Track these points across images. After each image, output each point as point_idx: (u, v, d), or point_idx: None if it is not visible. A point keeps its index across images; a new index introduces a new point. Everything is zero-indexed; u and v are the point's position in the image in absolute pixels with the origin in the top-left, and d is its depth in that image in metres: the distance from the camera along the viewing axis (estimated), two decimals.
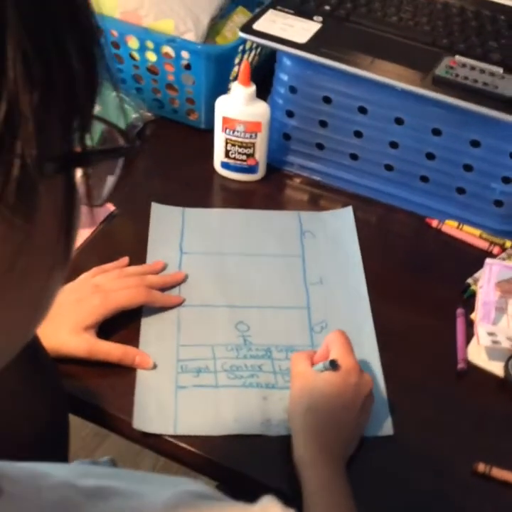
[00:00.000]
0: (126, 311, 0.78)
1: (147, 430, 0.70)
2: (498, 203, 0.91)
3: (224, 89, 1.02)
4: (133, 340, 0.78)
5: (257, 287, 0.85)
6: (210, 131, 1.01)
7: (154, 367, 0.75)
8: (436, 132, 0.89)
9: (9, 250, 0.25)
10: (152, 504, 0.34)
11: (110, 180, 0.33)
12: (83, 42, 0.26)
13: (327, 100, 0.94)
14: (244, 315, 0.81)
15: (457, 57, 0.88)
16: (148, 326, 0.79)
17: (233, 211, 0.95)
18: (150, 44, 0.99)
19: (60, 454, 0.61)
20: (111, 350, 0.75)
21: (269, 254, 0.89)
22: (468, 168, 0.90)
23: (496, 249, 0.90)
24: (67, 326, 0.74)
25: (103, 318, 0.76)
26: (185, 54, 0.98)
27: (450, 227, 0.93)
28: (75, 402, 0.72)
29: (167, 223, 0.92)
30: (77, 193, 0.28)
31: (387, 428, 0.72)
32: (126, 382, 0.74)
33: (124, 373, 0.75)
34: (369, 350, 0.78)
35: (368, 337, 0.80)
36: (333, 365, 0.68)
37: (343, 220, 0.94)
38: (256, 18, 0.94)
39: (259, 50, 1.08)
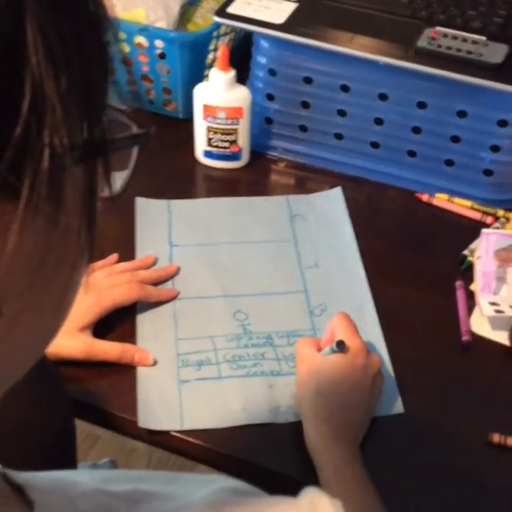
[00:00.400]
0: (120, 309, 0.76)
1: (153, 428, 0.69)
2: (488, 173, 0.90)
3: (200, 77, 1.00)
4: (130, 337, 0.76)
5: (252, 275, 0.83)
6: (188, 121, 0.99)
7: (154, 363, 0.73)
8: (422, 105, 0.88)
9: (40, 244, 0.24)
10: (191, 504, 0.33)
11: (126, 171, 0.32)
12: (96, 28, 0.26)
13: (308, 80, 0.92)
14: (241, 304, 0.80)
15: (438, 28, 0.87)
16: (145, 322, 0.77)
17: (220, 200, 0.93)
18: (122, 35, 0.97)
19: (69, 458, 0.59)
20: (109, 349, 0.73)
21: (260, 241, 0.87)
22: (455, 139, 0.89)
23: (488, 219, 0.90)
24: (62, 328, 0.72)
25: (98, 318, 0.74)
26: (158, 43, 0.96)
27: (441, 200, 0.92)
28: (76, 405, 0.70)
29: (154, 217, 0.89)
30: (97, 182, 0.27)
31: (397, 407, 0.71)
32: (126, 380, 0.72)
33: (124, 372, 0.73)
34: (372, 329, 0.77)
35: (370, 317, 0.79)
36: (340, 346, 0.67)
37: (332, 201, 0.92)
38: (230, 1, 0.92)
39: (233, 34, 1.06)
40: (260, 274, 0.83)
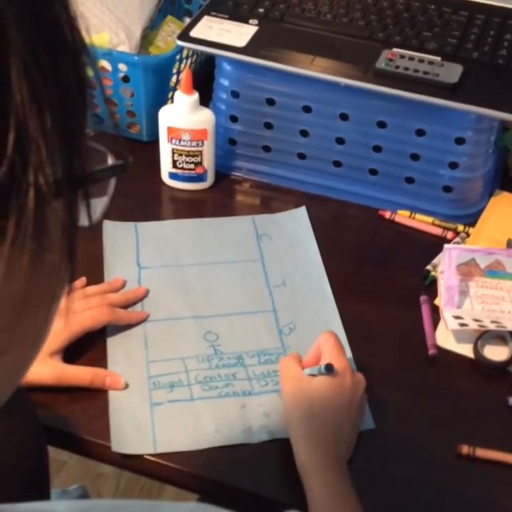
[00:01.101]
0: (91, 333, 0.76)
1: (126, 452, 0.69)
2: (447, 189, 0.92)
3: (164, 100, 1.01)
4: (100, 361, 0.76)
5: (221, 295, 0.84)
6: (153, 143, 1.00)
7: (126, 386, 0.73)
8: (381, 125, 0.90)
9: (26, 283, 0.24)
10: None
11: (104, 199, 0.32)
12: (75, 61, 0.26)
13: (270, 102, 0.93)
14: (211, 324, 0.80)
15: (395, 50, 0.89)
16: (115, 345, 0.77)
17: (186, 221, 0.93)
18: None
19: (42, 486, 0.58)
20: (80, 374, 0.73)
21: (228, 261, 0.88)
22: (415, 157, 0.91)
23: (449, 235, 0.92)
24: None
25: (68, 342, 0.74)
26: (122, 67, 0.97)
27: (403, 217, 0.94)
28: (48, 431, 0.70)
29: (121, 240, 0.90)
30: (79, 214, 0.27)
31: (368, 422, 0.72)
32: (98, 405, 0.72)
33: (95, 396, 0.73)
34: None
35: (337, 334, 0.79)
36: (329, 369, 0.67)
37: (297, 220, 0.94)
38: (192, 25, 0.94)
39: (195, 57, 1.08)
40: (229, 295, 0.84)
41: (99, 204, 0.32)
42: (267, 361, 0.77)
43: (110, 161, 0.31)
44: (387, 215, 0.95)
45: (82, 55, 0.26)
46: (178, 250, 0.89)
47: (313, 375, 0.69)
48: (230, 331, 0.80)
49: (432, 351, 0.78)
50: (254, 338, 0.79)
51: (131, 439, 0.69)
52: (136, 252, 0.88)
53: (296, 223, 0.93)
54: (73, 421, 0.71)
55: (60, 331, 0.73)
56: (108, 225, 0.91)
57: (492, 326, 0.77)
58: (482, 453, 0.69)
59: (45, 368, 0.71)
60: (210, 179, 0.98)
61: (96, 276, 0.85)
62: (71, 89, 0.25)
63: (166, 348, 0.78)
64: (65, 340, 0.73)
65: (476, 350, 0.77)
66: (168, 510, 0.36)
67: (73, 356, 0.75)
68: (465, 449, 0.69)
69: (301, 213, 0.94)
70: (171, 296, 0.83)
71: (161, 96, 1.01)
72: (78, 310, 0.76)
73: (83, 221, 0.31)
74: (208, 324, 0.80)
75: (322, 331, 0.76)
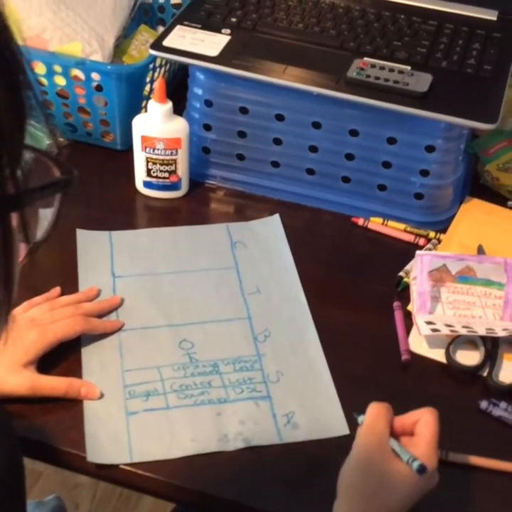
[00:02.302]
0: (65, 343, 0.76)
1: (102, 462, 0.68)
2: (419, 196, 0.93)
3: (137, 109, 1.02)
4: (75, 371, 0.76)
5: (196, 303, 0.84)
6: (127, 152, 1.00)
7: (101, 396, 0.73)
8: (354, 133, 0.91)
9: None
10: None
11: (49, 214, 0.31)
12: (6, 71, 0.24)
13: (244, 111, 0.94)
14: (186, 332, 0.80)
15: (366, 59, 0.90)
16: (90, 354, 0.77)
17: (161, 230, 0.94)
18: (58, 68, 0.97)
19: (18, 498, 0.58)
20: (55, 384, 0.73)
21: (202, 269, 0.88)
22: (387, 165, 0.92)
23: (421, 241, 0.93)
24: (4, 365, 0.71)
25: (42, 353, 0.74)
26: (95, 76, 0.97)
27: (376, 224, 0.95)
28: (22, 442, 0.69)
29: (95, 249, 0.90)
30: (14, 234, 0.26)
31: (342, 428, 0.73)
32: (73, 415, 0.72)
33: (70, 406, 0.73)
34: (314, 353, 0.79)
35: (312, 340, 0.80)
36: (421, 471, 0.61)
37: (272, 228, 0.94)
38: (165, 34, 0.94)
39: (168, 66, 1.08)
40: (204, 302, 0.84)
41: (45, 220, 0.31)
42: (242, 368, 0.77)
43: (57, 174, 0.30)
44: (360, 222, 0.96)
45: (11, 66, 0.24)
46: (152, 259, 0.89)
47: (395, 453, 0.62)
48: (205, 339, 0.80)
49: (405, 357, 0.79)
50: (229, 345, 0.80)
51: (107, 449, 0.69)
52: (111, 260, 0.88)
53: (270, 230, 0.94)
54: (49, 431, 0.71)
55: (34, 342, 0.73)
56: (82, 234, 0.91)
57: (463, 331, 0.78)
58: (455, 457, 0.70)
59: (19, 379, 0.71)
60: (184, 187, 0.99)
61: (70, 285, 0.85)
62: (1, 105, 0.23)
63: (141, 356, 0.78)
64: (39, 351, 0.73)
65: (448, 355, 0.78)
66: None
67: (48, 366, 0.75)
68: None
69: (274, 221, 0.95)
70: (146, 305, 0.83)
71: (135, 105, 1.01)
72: (52, 320, 0.76)
73: (34, 237, 0.30)
74: (183, 332, 0.80)
75: (296, 338, 0.77)
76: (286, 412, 0.73)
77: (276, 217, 0.96)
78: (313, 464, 0.69)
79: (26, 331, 0.74)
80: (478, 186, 1.01)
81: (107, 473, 0.69)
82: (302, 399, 0.75)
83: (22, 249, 0.92)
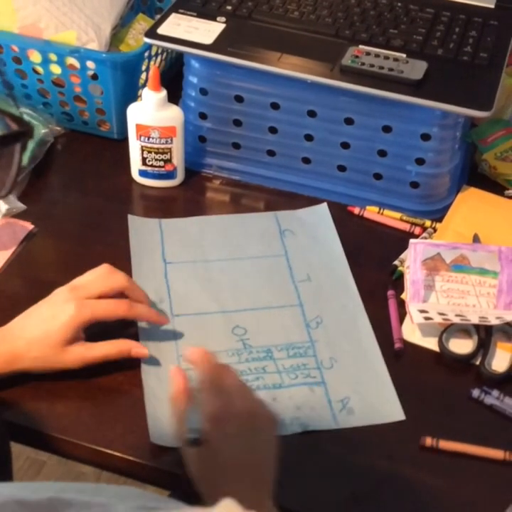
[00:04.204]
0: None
1: (165, 444, 0.68)
2: (415, 185, 0.93)
3: (134, 97, 1.01)
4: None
5: (247, 290, 0.84)
6: (123, 141, 1.00)
7: (159, 376, 0.74)
8: (349, 121, 0.91)
9: None
10: None
11: (12, 171, 0.32)
12: None
13: (239, 99, 0.94)
14: (239, 319, 0.81)
15: (361, 47, 0.90)
16: (146, 339, 0.77)
17: (209, 218, 0.94)
18: (53, 56, 0.97)
19: (4, 479, 0.58)
20: (105, 352, 0.73)
21: (252, 257, 0.89)
22: (382, 153, 0.92)
23: (417, 230, 0.93)
24: (49, 346, 0.71)
25: (80, 329, 0.72)
26: (90, 64, 0.97)
27: (372, 212, 0.95)
28: (13, 427, 0.70)
29: (146, 235, 0.90)
30: None
31: (398, 413, 0.73)
32: (66, 402, 0.72)
33: (64, 393, 0.73)
34: (367, 340, 0.79)
35: (364, 327, 0.80)
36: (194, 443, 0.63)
37: (320, 216, 0.94)
38: (159, 22, 0.94)
39: (165, 54, 1.08)
40: (255, 289, 0.84)
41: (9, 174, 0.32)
42: (295, 354, 0.77)
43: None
44: (356, 211, 0.95)
45: None
46: (202, 246, 0.90)
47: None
48: (258, 325, 0.80)
49: (397, 345, 0.79)
50: (281, 331, 0.80)
51: (169, 432, 0.68)
52: (162, 247, 0.89)
53: (318, 219, 0.94)
54: (40, 418, 0.71)
55: (70, 318, 0.71)
56: (132, 220, 0.92)
57: (456, 320, 0.78)
58: (445, 445, 0.70)
59: (68, 357, 0.71)
60: (180, 176, 0.98)
61: (66, 273, 0.84)
62: None
63: (195, 342, 0.78)
64: (76, 328, 0.71)
65: (441, 343, 0.78)
66: (113, 493, 0.37)
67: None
68: (428, 441, 0.70)
69: (322, 209, 0.95)
70: (198, 291, 0.84)
71: (131, 93, 1.01)
72: (95, 291, 0.74)
73: None
74: (236, 318, 0.81)
75: (349, 325, 0.79)
76: (341, 397, 0.74)
77: (324, 205, 0.95)
78: (296, 453, 0.69)
79: (63, 303, 0.72)
80: (475, 175, 1.01)
81: (102, 460, 0.70)
82: (356, 385, 0.75)
83: (17, 237, 0.92)
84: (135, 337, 0.77)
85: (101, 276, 0.75)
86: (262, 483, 0.61)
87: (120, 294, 0.76)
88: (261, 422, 0.64)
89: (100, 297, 0.74)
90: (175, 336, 0.79)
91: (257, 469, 0.62)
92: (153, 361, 0.76)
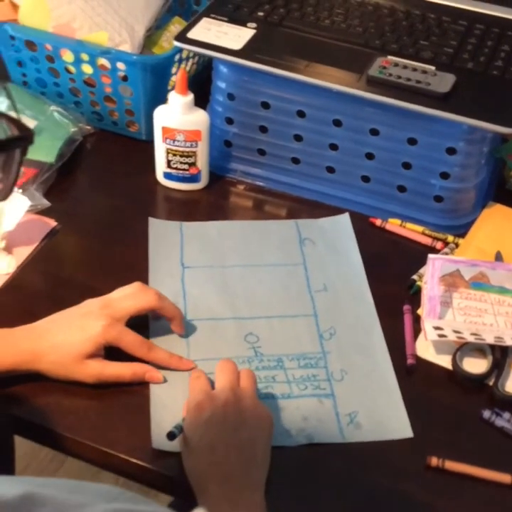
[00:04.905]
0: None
1: (166, 449, 0.68)
2: (438, 199, 0.92)
3: (162, 99, 1.02)
4: None
5: (263, 297, 0.84)
6: (151, 142, 1.01)
7: (167, 383, 0.74)
8: (374, 132, 0.90)
9: None
10: None
11: (11, 176, 0.32)
12: None
13: (265, 106, 0.94)
14: (252, 326, 0.81)
15: (389, 57, 0.89)
16: (158, 343, 0.77)
17: (231, 223, 0.94)
18: (85, 56, 0.98)
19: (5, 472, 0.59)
20: (120, 372, 0.73)
21: (270, 264, 0.88)
22: (407, 166, 0.91)
23: (439, 245, 0.91)
24: (71, 355, 0.72)
25: (103, 347, 0.73)
26: (121, 65, 0.98)
27: (393, 225, 0.94)
28: (20, 423, 0.71)
29: (166, 238, 0.91)
30: None
31: (406, 430, 0.72)
32: (73, 400, 0.73)
33: (73, 390, 0.73)
34: (380, 354, 0.78)
35: (378, 341, 0.80)
36: (169, 437, 0.67)
37: (341, 226, 0.93)
38: (190, 26, 0.94)
39: (196, 58, 1.08)
40: (270, 297, 0.84)
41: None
42: (306, 365, 0.77)
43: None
44: (378, 222, 0.95)
45: None
46: (221, 251, 0.90)
47: None
48: (271, 334, 0.80)
49: (410, 361, 0.78)
50: (294, 341, 0.79)
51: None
52: (181, 251, 0.89)
53: (339, 229, 0.93)
54: (48, 414, 0.72)
55: (96, 335, 0.71)
56: (153, 223, 0.92)
57: (471, 338, 0.77)
58: (451, 465, 0.69)
59: (85, 370, 0.72)
60: (204, 180, 0.99)
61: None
62: None
63: (207, 347, 0.78)
64: (100, 345, 0.72)
65: (454, 361, 0.77)
66: (91, 492, 0.37)
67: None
68: (434, 461, 0.69)
69: (344, 219, 0.94)
70: (213, 297, 0.83)
71: (160, 96, 1.01)
72: (126, 311, 0.74)
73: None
74: (249, 326, 0.81)
75: (362, 337, 0.78)
76: (350, 411, 0.73)
77: (346, 215, 0.95)
78: (307, 464, 0.68)
79: (93, 319, 0.73)
80: (503, 191, 0.99)
81: (105, 460, 0.70)
82: (366, 399, 0.74)
83: (39, 233, 0.93)
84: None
85: (132, 295, 0.76)
86: (244, 478, 0.62)
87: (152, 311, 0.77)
88: (250, 420, 0.66)
89: (131, 316, 0.74)
90: (187, 340, 0.79)
91: (235, 463, 0.63)
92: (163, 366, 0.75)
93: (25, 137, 0.32)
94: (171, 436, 0.66)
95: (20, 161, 0.34)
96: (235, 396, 0.67)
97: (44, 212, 0.93)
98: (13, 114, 0.90)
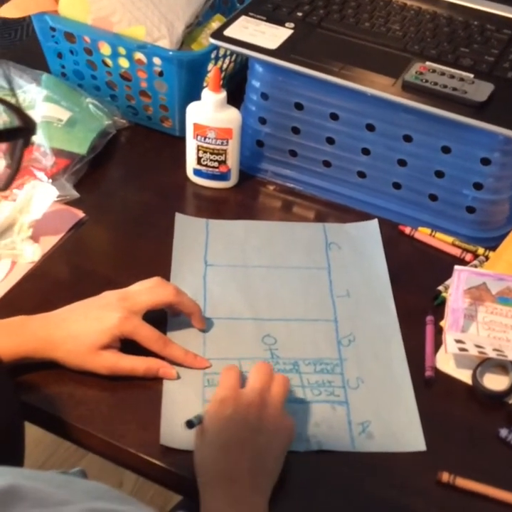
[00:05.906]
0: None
1: (175, 446, 0.68)
2: (470, 210, 0.90)
3: (197, 96, 1.01)
4: None
5: (284, 300, 0.83)
6: (184, 139, 1.01)
7: (180, 380, 0.74)
8: (407, 138, 0.88)
9: None
10: None
11: (12, 166, 0.32)
12: None
13: (299, 107, 0.93)
14: (270, 328, 0.80)
15: (427, 63, 0.87)
16: (174, 339, 0.77)
17: (258, 223, 0.93)
18: (122, 50, 0.99)
19: (14, 464, 0.59)
20: (134, 365, 0.73)
21: (294, 267, 0.88)
22: (439, 174, 0.89)
23: (468, 257, 0.89)
24: (85, 345, 0.72)
25: (118, 339, 0.73)
26: (157, 60, 0.98)
27: (423, 234, 0.92)
28: (32, 410, 0.71)
29: (191, 234, 0.90)
30: None
31: (419, 443, 0.70)
32: (86, 391, 0.73)
33: (86, 381, 0.74)
34: (398, 364, 0.77)
35: (396, 351, 0.78)
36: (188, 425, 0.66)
37: (368, 232, 0.92)
38: (228, 24, 0.94)
39: (234, 57, 1.08)
40: (291, 300, 0.83)
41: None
42: (322, 370, 0.76)
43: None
44: (407, 230, 0.93)
45: None
46: (246, 250, 0.89)
47: None
48: (289, 337, 0.79)
49: (428, 373, 0.76)
50: (312, 345, 0.78)
51: (181, 434, 0.68)
52: (205, 248, 0.89)
53: (366, 235, 0.92)
54: (59, 404, 0.72)
55: (112, 327, 0.72)
56: (180, 219, 0.92)
57: (493, 354, 0.75)
58: (463, 483, 0.67)
59: (99, 361, 0.72)
60: (233, 178, 0.98)
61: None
62: None
63: (223, 346, 0.77)
64: (115, 336, 0.72)
65: (474, 377, 0.75)
66: (78, 489, 0.37)
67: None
68: (445, 477, 0.67)
69: (372, 226, 0.93)
70: (233, 296, 0.83)
71: (195, 92, 1.01)
72: (145, 304, 0.74)
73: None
74: (268, 327, 0.80)
75: (381, 346, 0.77)
76: (363, 420, 0.72)
77: (375, 221, 0.93)
78: (311, 478, 0.67)
79: (111, 311, 0.73)
80: None
81: (111, 453, 0.70)
82: (380, 409, 0.73)
83: (66, 223, 0.94)
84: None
85: (150, 289, 0.76)
86: (250, 481, 0.62)
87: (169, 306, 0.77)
88: (269, 427, 0.65)
89: (148, 310, 0.74)
90: (204, 338, 0.78)
91: (244, 465, 0.62)
92: (178, 363, 0.75)
93: (27, 128, 0.32)
94: (190, 424, 0.66)
95: (21, 152, 0.34)
96: (262, 400, 0.67)
97: (73, 203, 0.94)
98: (45, 102, 0.89)
